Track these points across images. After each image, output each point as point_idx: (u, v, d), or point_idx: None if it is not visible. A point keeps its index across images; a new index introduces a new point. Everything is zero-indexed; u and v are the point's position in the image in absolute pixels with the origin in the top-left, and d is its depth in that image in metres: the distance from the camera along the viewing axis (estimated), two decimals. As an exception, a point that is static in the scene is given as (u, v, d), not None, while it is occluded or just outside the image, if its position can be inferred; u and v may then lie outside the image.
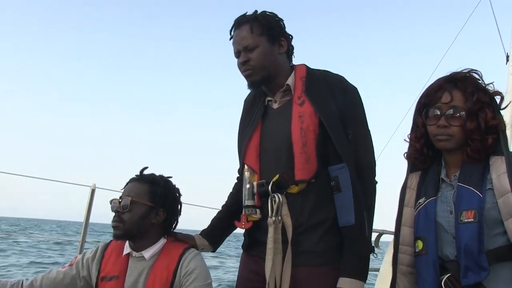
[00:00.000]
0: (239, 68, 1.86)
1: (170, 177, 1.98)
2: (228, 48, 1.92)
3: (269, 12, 1.88)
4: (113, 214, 1.84)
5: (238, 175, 2.07)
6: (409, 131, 1.72)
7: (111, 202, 1.87)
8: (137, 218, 1.82)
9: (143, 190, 1.86)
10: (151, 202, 1.85)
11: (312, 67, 1.93)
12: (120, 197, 1.85)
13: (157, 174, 1.96)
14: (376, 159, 1.84)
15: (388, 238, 3.92)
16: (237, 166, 2.08)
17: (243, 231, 1.95)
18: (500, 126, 1.53)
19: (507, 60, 5.67)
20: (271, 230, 1.73)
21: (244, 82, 1.89)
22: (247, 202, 1.82)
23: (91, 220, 3.95)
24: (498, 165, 1.48)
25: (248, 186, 1.82)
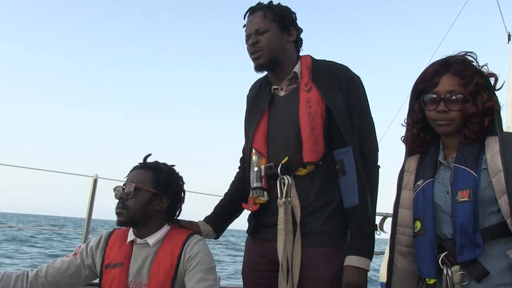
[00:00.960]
0: (248, 50, 1.91)
1: (173, 165, 1.98)
2: (236, 38, 1.98)
3: (283, 5, 1.95)
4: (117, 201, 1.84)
5: (240, 164, 2.11)
6: (405, 116, 1.74)
7: (114, 189, 1.87)
8: (140, 204, 1.82)
9: (146, 176, 1.87)
10: (154, 189, 1.86)
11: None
12: (124, 184, 1.85)
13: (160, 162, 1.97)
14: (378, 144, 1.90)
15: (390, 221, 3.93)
16: (239, 155, 2.12)
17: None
18: (495, 107, 1.55)
19: (509, 39, 5.63)
20: (281, 211, 1.77)
21: (248, 75, 1.96)
22: (255, 184, 1.85)
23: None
24: (492, 145, 1.51)
25: (255, 169, 1.86)
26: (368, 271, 1.72)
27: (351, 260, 1.70)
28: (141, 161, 1.95)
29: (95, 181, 3.87)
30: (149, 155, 1.97)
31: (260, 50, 1.87)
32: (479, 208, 1.46)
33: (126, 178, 1.89)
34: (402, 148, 1.78)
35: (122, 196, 1.82)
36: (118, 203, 1.83)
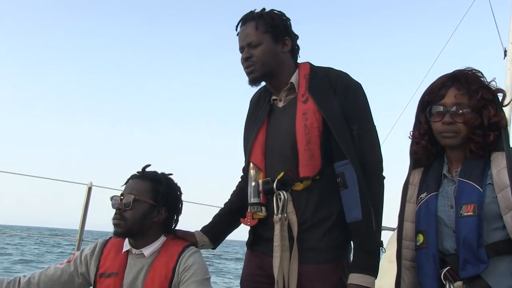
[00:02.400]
0: (242, 63, 1.88)
1: (171, 174, 1.96)
2: (232, 49, 1.93)
3: (276, 11, 1.89)
4: (114, 211, 1.82)
5: (243, 174, 2.07)
6: (408, 128, 1.73)
7: (111, 198, 1.85)
8: (139, 216, 1.80)
9: (145, 188, 1.84)
10: (153, 201, 1.83)
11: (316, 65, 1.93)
12: (122, 194, 1.82)
13: (158, 172, 1.94)
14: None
15: (388, 234, 3.91)
16: (241, 165, 2.09)
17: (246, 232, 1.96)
18: (501, 122, 1.55)
19: (505, 55, 5.68)
20: (277, 227, 1.74)
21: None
22: (252, 199, 1.82)
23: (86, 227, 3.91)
24: (498, 161, 1.50)
25: (253, 184, 1.83)
26: None
27: (355, 278, 1.63)
28: (139, 170, 1.93)
29: (90, 189, 3.84)
30: (148, 165, 1.94)
31: (253, 65, 1.83)
32: (484, 223, 1.44)
33: (124, 188, 1.87)
34: (400, 158, 1.76)
35: (120, 207, 1.79)
36: (115, 213, 1.80)
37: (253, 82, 1.88)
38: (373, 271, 1.66)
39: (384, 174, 1.78)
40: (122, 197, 1.81)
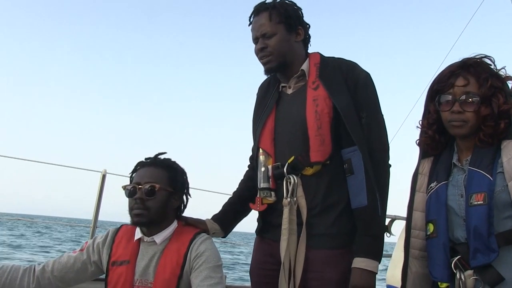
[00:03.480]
0: (256, 54, 1.89)
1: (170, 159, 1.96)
2: (242, 39, 1.92)
3: (288, 1, 1.91)
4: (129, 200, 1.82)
5: (249, 163, 2.09)
6: (420, 118, 1.72)
7: (126, 187, 1.84)
8: (161, 204, 1.81)
9: (163, 175, 1.84)
10: (171, 188, 1.84)
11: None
12: (138, 183, 1.81)
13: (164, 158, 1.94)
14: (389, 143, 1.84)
15: (401, 224, 3.89)
16: (248, 153, 2.10)
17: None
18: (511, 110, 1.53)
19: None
20: (286, 211, 1.76)
21: (256, 73, 1.94)
22: (262, 184, 1.84)
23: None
24: (509, 149, 1.49)
25: (263, 169, 1.85)
26: (376, 273, 1.68)
27: (359, 262, 1.66)
28: (147, 157, 1.93)
29: (104, 177, 3.87)
30: (163, 153, 1.94)
31: (269, 55, 1.85)
32: (494, 212, 1.44)
33: (136, 176, 1.86)
34: (411, 150, 1.75)
35: (142, 196, 1.79)
36: (136, 203, 1.78)
37: (269, 72, 1.91)
38: (377, 255, 1.69)
39: (390, 162, 1.80)
40: (140, 186, 1.80)
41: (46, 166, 4.47)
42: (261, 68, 1.92)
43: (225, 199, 2.08)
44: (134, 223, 1.83)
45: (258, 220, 1.96)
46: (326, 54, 1.95)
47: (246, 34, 1.95)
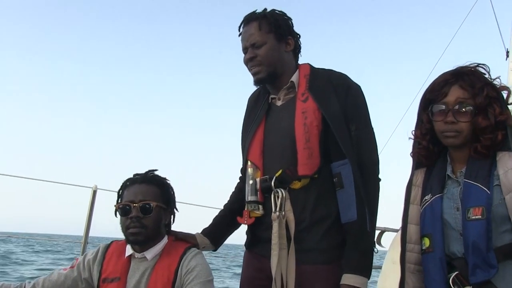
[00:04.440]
0: (246, 64, 1.88)
1: (155, 170, 1.97)
2: (232, 47, 1.92)
3: (278, 11, 1.90)
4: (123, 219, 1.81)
5: (241, 175, 2.07)
6: (412, 128, 1.69)
7: (119, 206, 1.83)
8: (157, 221, 1.82)
9: (156, 192, 1.85)
10: (164, 204, 1.86)
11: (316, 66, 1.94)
12: (132, 201, 1.80)
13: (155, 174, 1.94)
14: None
15: (391, 236, 3.91)
16: (240, 166, 2.08)
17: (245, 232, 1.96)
18: (508, 121, 1.50)
19: (507, 56, 5.64)
20: (275, 225, 1.74)
21: (247, 82, 1.91)
22: (250, 198, 1.83)
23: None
24: (505, 161, 1.46)
25: (251, 182, 1.84)
26: None
27: (348, 279, 1.63)
28: (135, 173, 1.92)
29: (94, 193, 3.84)
30: (154, 170, 1.94)
31: (258, 65, 1.83)
32: (492, 226, 1.41)
33: (128, 193, 1.84)
34: (402, 160, 1.73)
35: (137, 214, 1.78)
36: (132, 222, 1.77)
37: (259, 82, 1.90)
38: (367, 271, 1.66)
39: (380, 176, 1.79)
40: (135, 204, 1.79)
41: (35, 182, 4.42)
42: (250, 77, 1.91)
43: (209, 211, 2.07)
44: (131, 242, 1.82)
45: (246, 233, 1.95)
46: (313, 61, 1.94)
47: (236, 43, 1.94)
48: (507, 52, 5.64)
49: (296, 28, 1.94)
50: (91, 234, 3.88)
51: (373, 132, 1.82)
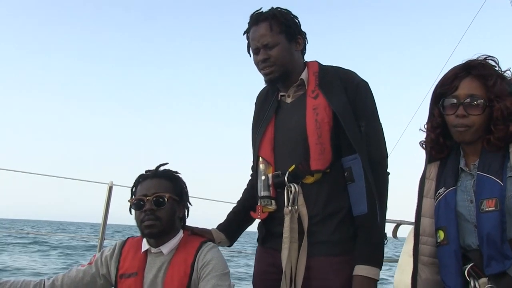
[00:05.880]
0: (258, 65, 1.89)
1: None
2: (241, 45, 1.92)
3: (283, 9, 1.90)
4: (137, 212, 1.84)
5: (252, 172, 2.09)
6: (424, 121, 1.70)
7: (133, 201, 1.86)
8: (171, 213, 1.84)
9: (168, 185, 1.88)
10: (177, 197, 1.88)
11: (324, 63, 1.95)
12: (145, 195, 1.83)
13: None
14: (390, 151, 1.86)
15: (407, 229, 3.89)
16: (251, 163, 2.10)
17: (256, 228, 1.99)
18: None
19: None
20: (287, 219, 1.76)
21: (254, 79, 1.91)
22: (262, 193, 1.85)
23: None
24: None
25: (263, 178, 1.86)
26: (378, 280, 1.69)
27: (361, 270, 1.67)
28: (147, 170, 1.95)
29: (110, 188, 3.86)
30: (165, 163, 1.96)
31: (271, 65, 1.84)
32: (506, 218, 1.40)
33: (141, 189, 1.87)
34: (415, 155, 1.74)
35: (151, 207, 1.80)
36: (146, 215, 1.80)
37: (270, 82, 1.91)
38: (379, 262, 1.70)
39: (388, 170, 1.81)
40: (148, 198, 1.82)
41: (53, 179, 4.48)
42: (259, 75, 1.93)
43: (223, 206, 2.09)
44: (146, 235, 1.84)
45: (259, 228, 1.97)
46: (323, 53, 1.96)
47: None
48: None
49: (310, 22, 1.93)
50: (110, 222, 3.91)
51: (382, 128, 1.85)
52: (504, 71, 1.54)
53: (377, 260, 1.70)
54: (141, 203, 1.82)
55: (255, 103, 2.09)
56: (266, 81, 1.91)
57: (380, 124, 1.85)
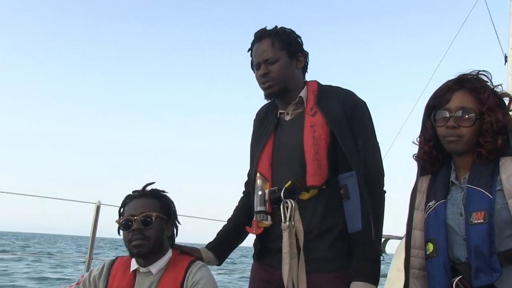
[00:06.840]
0: (258, 79, 1.94)
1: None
2: (242, 58, 1.96)
3: (287, 29, 1.96)
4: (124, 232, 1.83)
5: (245, 189, 2.11)
6: (414, 135, 1.73)
7: (121, 221, 1.85)
8: (159, 233, 1.83)
9: (155, 205, 1.87)
10: (165, 216, 1.88)
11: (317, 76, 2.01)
12: (132, 215, 1.82)
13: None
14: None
15: (395, 243, 3.91)
16: (244, 179, 2.13)
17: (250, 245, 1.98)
18: (510, 126, 1.52)
19: (506, 61, 5.66)
20: (285, 234, 1.77)
21: (252, 94, 1.94)
22: (259, 208, 1.86)
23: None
24: (507, 166, 1.47)
25: (260, 193, 1.87)
26: None
27: (356, 286, 1.68)
28: (136, 189, 1.94)
29: (98, 208, 3.84)
30: (151, 183, 1.96)
31: (271, 80, 1.89)
32: (495, 230, 1.41)
33: (128, 209, 1.87)
34: (403, 167, 1.77)
35: (139, 226, 1.80)
36: (134, 234, 1.79)
37: (270, 96, 1.95)
38: (374, 279, 1.71)
39: (385, 188, 1.83)
40: (136, 217, 1.81)
41: (40, 200, 4.43)
42: (259, 90, 1.97)
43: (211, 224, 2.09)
44: (134, 255, 1.83)
45: (254, 245, 1.97)
46: (313, 66, 2.02)
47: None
48: (506, 57, 5.66)
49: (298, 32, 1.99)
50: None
51: (378, 146, 1.89)
52: (495, 86, 1.58)
53: (373, 276, 1.70)
54: (129, 223, 1.81)
55: (254, 120, 2.12)
56: (265, 96, 1.95)
57: (377, 142, 1.89)
